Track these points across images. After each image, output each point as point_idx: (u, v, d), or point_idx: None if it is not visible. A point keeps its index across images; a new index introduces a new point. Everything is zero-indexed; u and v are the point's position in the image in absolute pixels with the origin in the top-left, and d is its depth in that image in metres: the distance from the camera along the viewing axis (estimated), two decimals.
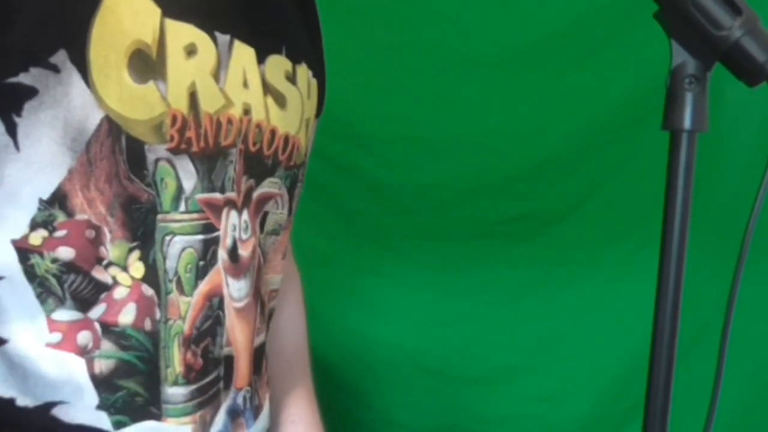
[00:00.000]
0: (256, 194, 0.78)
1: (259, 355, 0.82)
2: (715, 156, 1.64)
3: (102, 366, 0.67)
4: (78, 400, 0.67)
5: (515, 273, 1.73)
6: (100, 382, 0.67)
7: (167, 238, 0.69)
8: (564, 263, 1.74)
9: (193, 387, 0.72)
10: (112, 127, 0.64)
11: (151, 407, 0.70)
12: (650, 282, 0.66)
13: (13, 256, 0.64)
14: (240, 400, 0.79)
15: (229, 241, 0.74)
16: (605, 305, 1.75)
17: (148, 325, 0.69)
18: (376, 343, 1.72)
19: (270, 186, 0.80)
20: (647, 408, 0.66)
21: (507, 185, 1.69)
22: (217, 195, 0.72)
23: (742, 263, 0.67)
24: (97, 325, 0.67)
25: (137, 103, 0.65)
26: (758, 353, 1.69)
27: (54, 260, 0.64)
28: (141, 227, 0.67)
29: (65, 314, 0.65)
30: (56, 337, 0.65)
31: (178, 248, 0.69)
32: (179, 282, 0.70)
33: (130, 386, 0.68)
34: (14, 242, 0.64)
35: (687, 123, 0.64)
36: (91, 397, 0.67)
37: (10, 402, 0.66)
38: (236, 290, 0.76)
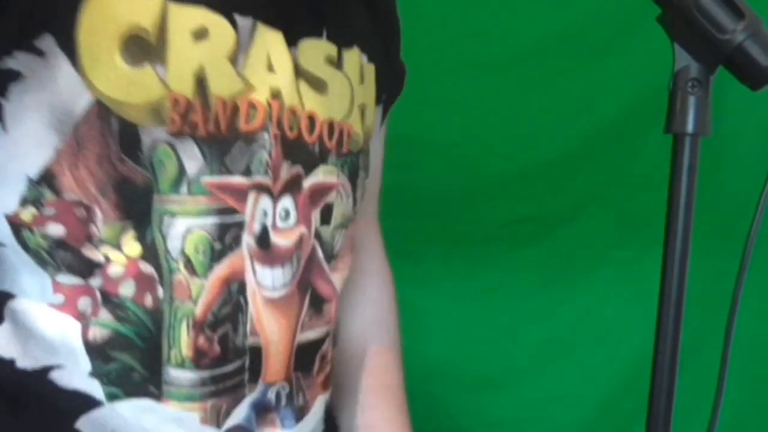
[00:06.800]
0: (307, 183, 0.77)
1: (307, 352, 0.80)
2: (718, 159, 1.64)
3: (96, 334, 0.68)
4: (73, 365, 0.68)
5: (520, 276, 1.74)
6: (93, 350, 0.68)
7: (165, 218, 0.69)
8: (568, 266, 1.74)
9: (206, 374, 0.71)
10: (101, 110, 0.65)
11: (150, 386, 0.69)
12: (654, 284, 0.66)
13: (7, 228, 0.67)
14: (271, 396, 0.77)
15: (256, 227, 0.73)
16: (609, 307, 1.75)
17: (149, 301, 0.69)
18: None
19: (325, 175, 0.79)
20: (650, 410, 0.66)
21: (510, 188, 1.69)
22: (237, 178, 0.72)
23: (746, 265, 0.68)
24: (98, 293, 0.68)
25: (131, 87, 0.66)
26: (762, 355, 1.69)
27: (44, 236, 0.67)
28: (135, 207, 0.68)
29: (69, 278, 0.67)
30: (59, 298, 0.67)
31: (181, 229, 0.69)
32: (189, 263, 0.70)
33: (125, 359, 0.69)
34: (7, 217, 0.66)
35: (690, 126, 0.64)
36: (85, 363, 0.68)
37: (11, 363, 0.68)
38: (268, 279, 0.75)
